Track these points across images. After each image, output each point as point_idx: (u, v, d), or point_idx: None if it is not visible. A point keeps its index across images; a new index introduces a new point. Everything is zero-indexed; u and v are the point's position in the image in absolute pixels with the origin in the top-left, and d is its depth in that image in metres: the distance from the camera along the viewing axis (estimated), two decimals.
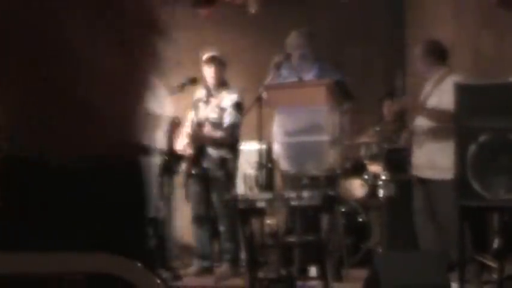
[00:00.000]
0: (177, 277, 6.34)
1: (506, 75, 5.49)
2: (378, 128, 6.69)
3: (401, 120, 6.78)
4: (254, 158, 5.70)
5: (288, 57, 6.13)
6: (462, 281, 5.08)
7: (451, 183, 5.21)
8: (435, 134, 5.87)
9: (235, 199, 5.54)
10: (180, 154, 6.58)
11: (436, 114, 6.00)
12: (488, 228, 5.47)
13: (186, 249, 7.44)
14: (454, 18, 7.00)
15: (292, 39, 6.27)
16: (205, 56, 6.63)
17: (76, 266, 1.57)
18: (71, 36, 1.90)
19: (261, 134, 5.58)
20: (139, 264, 1.57)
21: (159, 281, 1.58)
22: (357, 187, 6.71)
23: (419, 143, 5.91)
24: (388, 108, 6.63)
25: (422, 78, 6.04)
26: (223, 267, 6.51)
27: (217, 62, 6.60)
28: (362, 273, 5.48)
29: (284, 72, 6.26)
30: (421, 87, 6.02)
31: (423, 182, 5.82)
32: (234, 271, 6.43)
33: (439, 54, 5.86)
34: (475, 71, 6.05)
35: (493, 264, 5.19)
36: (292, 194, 5.32)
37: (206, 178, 6.55)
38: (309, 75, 6.22)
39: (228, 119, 6.53)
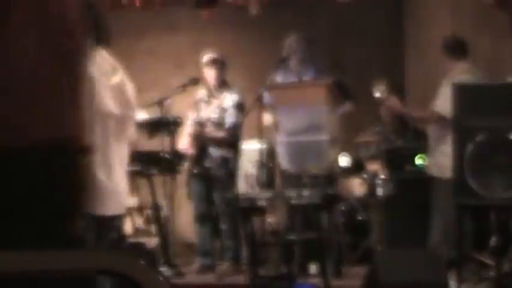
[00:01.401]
0: (180, 274, 6.40)
1: (503, 76, 5.55)
2: (376, 128, 6.74)
3: (400, 120, 6.82)
4: (255, 157, 5.75)
5: (285, 60, 6.19)
6: (460, 278, 5.14)
7: (450, 181, 5.26)
8: (436, 133, 5.93)
9: (236, 198, 5.60)
10: (182, 153, 6.63)
11: (417, 116, 6.07)
12: (486, 226, 5.51)
13: (188, 247, 7.49)
14: (452, 19, 7.04)
15: (290, 43, 6.32)
16: (206, 58, 6.66)
17: (79, 263, 1.58)
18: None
19: (262, 133, 5.64)
20: (142, 262, 1.59)
21: (161, 278, 1.60)
22: (356, 186, 6.75)
23: (430, 142, 5.99)
24: (386, 109, 6.68)
25: (424, 78, 6.08)
26: (225, 265, 6.56)
27: (219, 63, 6.64)
28: (361, 270, 5.52)
29: (279, 77, 6.33)
30: (421, 87, 6.07)
31: (432, 179, 5.89)
32: (236, 269, 6.47)
33: (456, 51, 5.81)
34: None
35: (490, 262, 5.23)
36: (293, 193, 5.38)
37: (208, 177, 6.59)
38: (306, 78, 6.28)
39: (229, 119, 6.57)
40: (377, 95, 5.88)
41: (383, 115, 6.83)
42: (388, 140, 6.74)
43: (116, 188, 3.62)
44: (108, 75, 3.62)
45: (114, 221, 3.83)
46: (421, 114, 6.25)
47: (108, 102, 3.56)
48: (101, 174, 3.50)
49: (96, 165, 3.45)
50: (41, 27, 2.05)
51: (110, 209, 3.57)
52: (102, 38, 3.65)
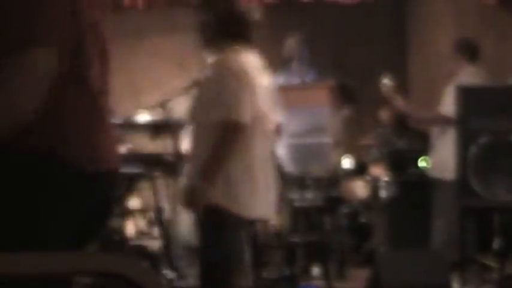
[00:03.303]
0: (182, 277, 6.38)
1: (506, 78, 5.54)
2: (377, 130, 6.74)
3: (401, 122, 6.81)
4: None
5: (287, 61, 6.20)
6: (463, 280, 5.13)
7: (452, 183, 5.25)
8: (439, 133, 5.91)
9: None
10: (184, 155, 6.61)
11: (424, 118, 6.04)
12: (489, 228, 5.51)
13: (190, 249, 7.48)
14: (455, 21, 7.03)
15: (290, 45, 6.33)
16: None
17: (81, 265, 1.58)
18: None
19: None
20: (144, 264, 1.59)
21: (164, 281, 1.60)
22: (359, 188, 6.75)
23: (432, 141, 5.96)
24: (387, 112, 6.66)
25: (427, 80, 6.06)
26: None
27: None
28: (364, 272, 5.52)
29: (280, 79, 6.32)
30: (424, 89, 6.05)
31: (434, 181, 5.87)
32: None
33: (468, 53, 5.74)
34: None
35: (493, 264, 5.22)
36: (296, 195, 5.37)
37: None
38: (308, 79, 6.29)
39: None
40: (384, 89, 5.82)
41: (383, 117, 6.82)
42: (389, 142, 6.74)
43: (258, 191, 3.46)
44: (257, 76, 3.48)
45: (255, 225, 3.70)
46: (428, 116, 6.20)
47: (260, 105, 3.42)
48: (239, 175, 3.37)
49: (236, 167, 3.35)
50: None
51: (252, 211, 3.44)
52: (243, 35, 3.47)
